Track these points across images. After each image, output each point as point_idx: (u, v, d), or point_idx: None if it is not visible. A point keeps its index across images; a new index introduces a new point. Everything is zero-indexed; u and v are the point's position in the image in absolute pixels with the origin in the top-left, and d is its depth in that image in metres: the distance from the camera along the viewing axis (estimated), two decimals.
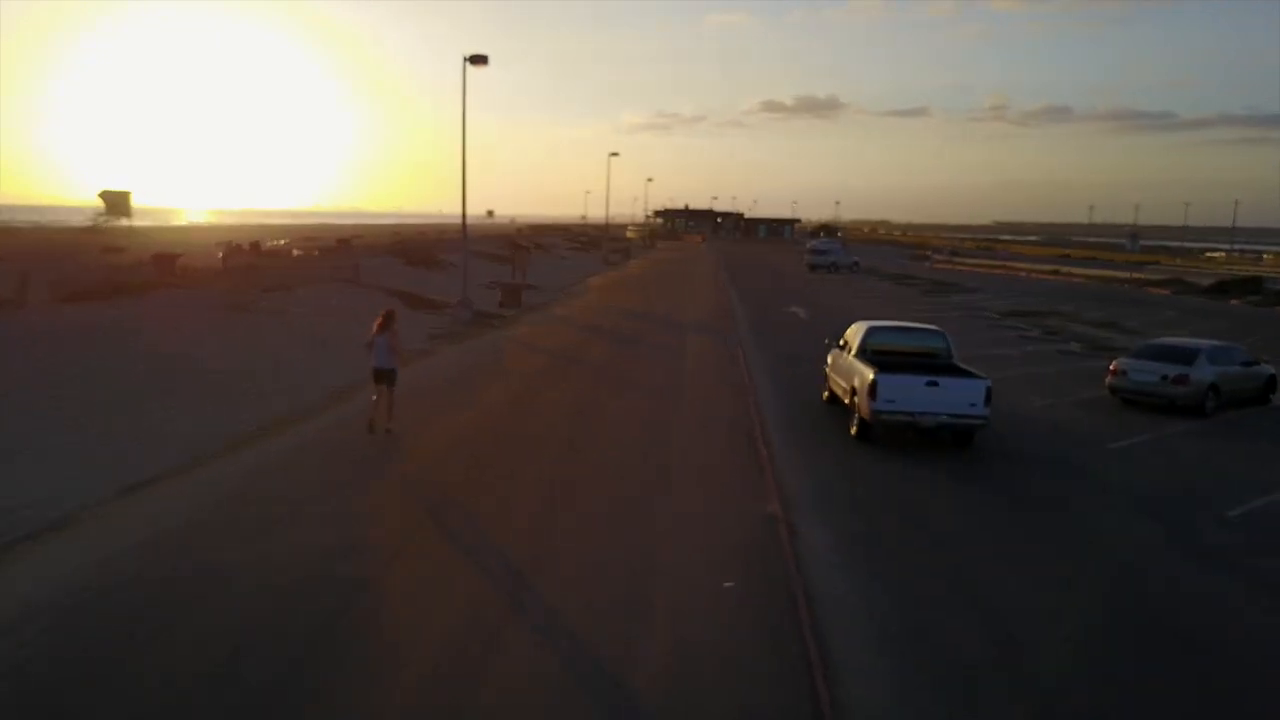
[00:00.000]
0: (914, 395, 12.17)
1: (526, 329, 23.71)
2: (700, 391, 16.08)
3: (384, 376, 11.99)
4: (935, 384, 12.19)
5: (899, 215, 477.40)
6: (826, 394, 15.44)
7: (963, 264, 79.33)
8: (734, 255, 79.09)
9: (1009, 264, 73.66)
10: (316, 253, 46.26)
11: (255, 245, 46.27)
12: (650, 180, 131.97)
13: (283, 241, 54.64)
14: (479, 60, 23.08)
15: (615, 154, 61.28)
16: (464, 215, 25.49)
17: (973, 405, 12.10)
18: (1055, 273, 62.92)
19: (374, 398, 12.06)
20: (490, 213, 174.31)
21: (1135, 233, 54.99)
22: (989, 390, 12.06)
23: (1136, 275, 53.51)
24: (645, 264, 62.75)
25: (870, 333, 14.12)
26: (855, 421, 12.97)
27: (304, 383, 15.17)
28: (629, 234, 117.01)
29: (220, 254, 33.73)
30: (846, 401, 13.63)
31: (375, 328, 12.09)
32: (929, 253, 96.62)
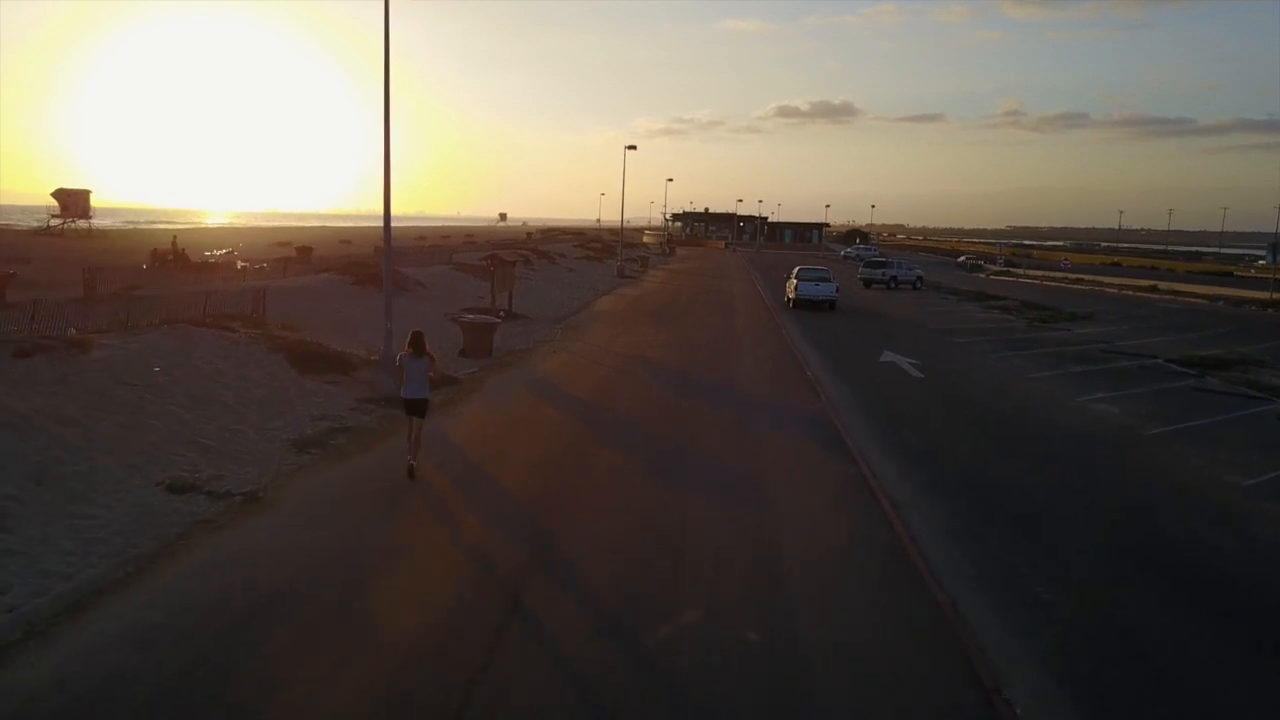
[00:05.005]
0: (810, 290, 33.78)
1: (480, 415, 14.16)
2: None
3: (417, 408, 10.34)
4: (817, 285, 33.92)
5: (914, 220, 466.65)
6: (786, 298, 35.80)
7: (1026, 276, 69.48)
8: (767, 265, 69.23)
9: (1086, 278, 63.54)
10: (264, 265, 37.22)
11: (180, 255, 37.25)
12: (670, 180, 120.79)
13: (227, 251, 45.53)
14: None
15: (632, 147, 51.77)
16: (386, 214, 15.91)
17: (833, 293, 33.80)
18: (1153, 289, 52.90)
19: (412, 435, 10.29)
20: (502, 216, 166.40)
21: None
22: (837, 288, 34.55)
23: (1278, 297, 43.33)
24: (666, 277, 53.21)
25: (799, 271, 35.67)
26: (790, 302, 34.65)
27: None
28: (646, 239, 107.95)
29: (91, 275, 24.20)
30: (791, 297, 34.98)
31: (406, 350, 10.43)
32: (981, 262, 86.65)
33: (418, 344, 10.43)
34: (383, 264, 17.70)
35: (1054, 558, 8.85)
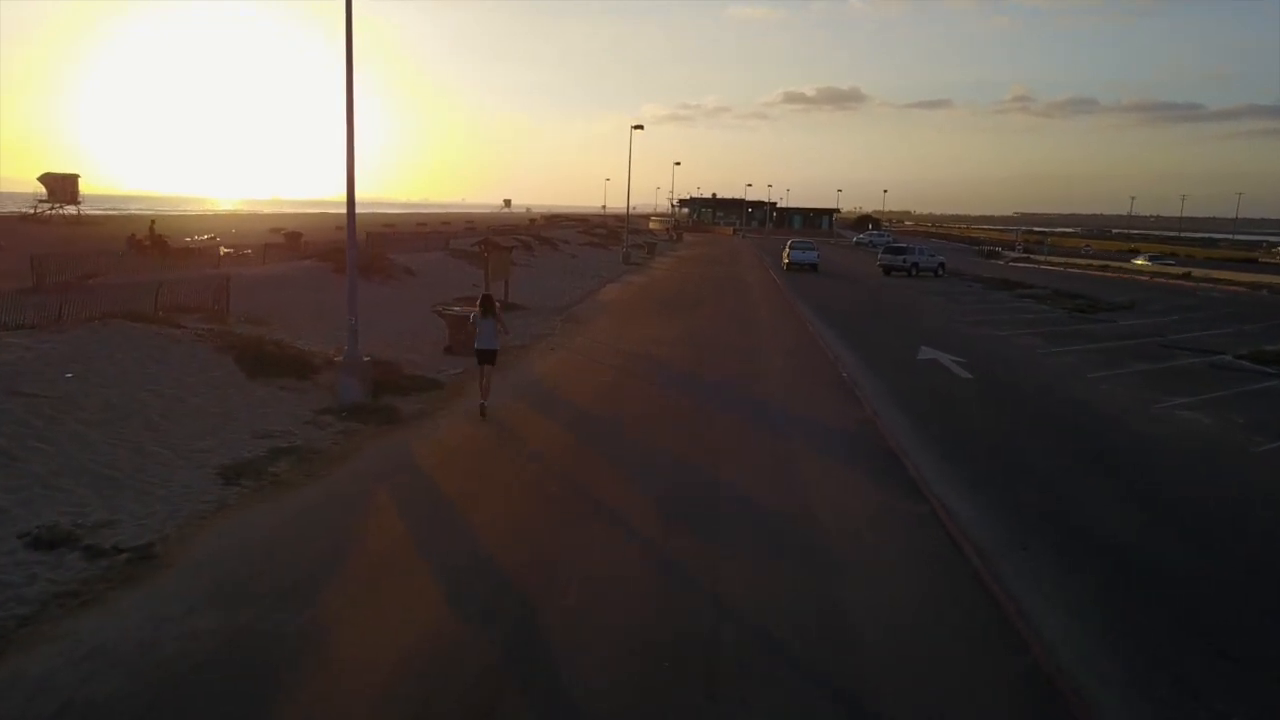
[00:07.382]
0: (799, 255, 47.40)
1: (460, 430, 11.81)
2: None
3: (487, 357, 12.25)
4: (804, 252, 47.66)
5: (921, 206, 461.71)
6: (782, 263, 48.21)
7: (1048, 263, 66.79)
8: (778, 250, 66.55)
9: (1112, 264, 60.86)
10: (249, 251, 34.95)
11: (158, 241, 34.97)
12: (678, 164, 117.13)
13: (210, 236, 43.25)
14: None
15: (639, 126, 49.19)
16: (350, 198, 13.51)
17: (815, 258, 47.43)
18: (1187, 276, 50.28)
19: (484, 381, 12.15)
20: (506, 202, 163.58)
21: None
22: (819, 255, 48.55)
23: None
24: (674, 264, 50.76)
25: (791, 242, 50.24)
26: (785, 264, 47.47)
27: None
28: (652, 225, 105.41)
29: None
30: (786, 261, 47.78)
31: (478, 310, 12.34)
32: (999, 249, 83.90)
33: (488, 305, 12.40)
34: (373, 251, 15.50)
35: (1223, 647, 6.54)
